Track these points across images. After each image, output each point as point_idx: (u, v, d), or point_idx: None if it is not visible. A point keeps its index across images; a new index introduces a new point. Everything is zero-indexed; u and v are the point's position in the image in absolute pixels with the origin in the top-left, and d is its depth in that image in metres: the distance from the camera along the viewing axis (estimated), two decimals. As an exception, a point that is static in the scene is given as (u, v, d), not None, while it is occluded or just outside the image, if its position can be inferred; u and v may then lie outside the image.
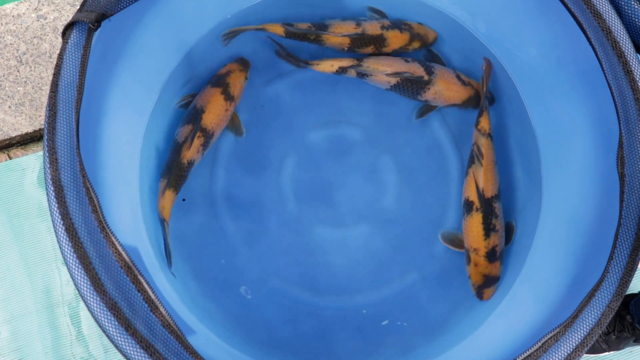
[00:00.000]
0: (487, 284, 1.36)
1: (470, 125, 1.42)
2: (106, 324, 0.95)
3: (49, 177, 1.01)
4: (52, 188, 1.01)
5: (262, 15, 1.43)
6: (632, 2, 1.11)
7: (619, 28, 1.10)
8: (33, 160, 1.66)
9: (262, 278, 1.43)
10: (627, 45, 1.09)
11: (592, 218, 1.13)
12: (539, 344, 1.00)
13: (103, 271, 0.98)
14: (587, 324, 1.00)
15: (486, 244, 1.34)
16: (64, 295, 1.57)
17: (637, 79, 1.08)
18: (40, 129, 1.67)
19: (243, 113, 1.51)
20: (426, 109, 1.49)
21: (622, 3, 1.12)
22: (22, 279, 1.58)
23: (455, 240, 1.43)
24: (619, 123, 1.08)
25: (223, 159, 1.50)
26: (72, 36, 1.10)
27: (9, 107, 1.66)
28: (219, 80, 1.44)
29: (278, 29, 1.41)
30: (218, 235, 1.46)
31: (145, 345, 0.94)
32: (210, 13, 1.37)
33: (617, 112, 1.09)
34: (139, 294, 0.97)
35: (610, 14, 1.10)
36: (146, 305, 0.97)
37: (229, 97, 1.42)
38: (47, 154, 1.03)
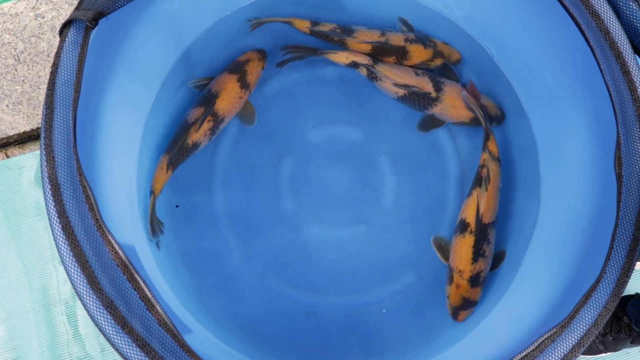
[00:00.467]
0: (464, 307, 1.35)
1: (471, 128, 1.43)
2: (102, 322, 0.95)
3: (46, 175, 1.01)
4: (48, 186, 1.01)
5: (262, 13, 1.43)
6: (631, 3, 1.11)
7: (617, 29, 1.10)
8: (30, 159, 1.66)
9: (259, 277, 1.43)
10: (625, 46, 1.09)
11: (590, 219, 1.13)
12: (536, 344, 1.00)
13: (99, 269, 0.98)
14: (584, 324, 1.00)
15: (472, 268, 1.34)
16: (61, 295, 1.57)
17: (635, 79, 1.08)
18: (37, 128, 1.67)
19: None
20: (433, 123, 1.48)
21: (621, 4, 1.12)
22: (19, 278, 1.57)
23: (444, 249, 1.42)
24: (617, 124, 1.08)
25: (221, 157, 1.49)
26: (69, 34, 1.10)
27: (7, 105, 1.66)
28: (236, 67, 1.44)
29: (304, 26, 1.42)
30: (214, 233, 1.46)
31: (142, 344, 0.94)
32: (208, 11, 1.37)
33: (615, 113, 1.09)
34: (136, 293, 0.97)
35: (608, 15, 1.10)
36: (142, 304, 0.97)
37: (244, 85, 1.42)
38: (44, 152, 1.03)
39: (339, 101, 1.52)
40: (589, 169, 1.16)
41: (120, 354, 0.95)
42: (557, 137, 1.27)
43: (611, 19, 1.09)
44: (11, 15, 1.68)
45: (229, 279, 1.43)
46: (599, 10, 1.10)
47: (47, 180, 1.01)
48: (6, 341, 1.54)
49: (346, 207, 1.48)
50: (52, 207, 1.00)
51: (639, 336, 1.48)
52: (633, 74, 1.08)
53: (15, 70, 1.67)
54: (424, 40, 1.45)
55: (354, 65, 1.43)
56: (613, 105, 1.09)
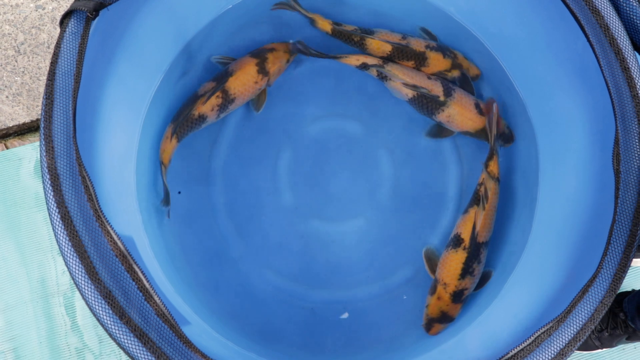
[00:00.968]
0: (440, 320, 1.34)
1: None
2: (100, 312, 0.95)
3: (45, 165, 1.01)
4: (48, 176, 1.01)
5: (264, 8, 1.43)
6: (631, 0, 1.11)
7: (617, 25, 1.10)
8: (30, 151, 1.66)
9: (257, 270, 1.44)
10: (624, 42, 1.09)
11: (588, 215, 1.14)
12: (532, 338, 1.00)
13: (98, 260, 0.98)
14: (580, 319, 1.00)
15: (458, 284, 1.33)
16: (59, 286, 1.57)
17: (634, 76, 1.08)
18: (37, 119, 1.67)
19: (240, 107, 1.50)
20: (440, 132, 1.48)
21: (621, 0, 1.12)
22: (18, 269, 1.58)
23: (432, 262, 1.41)
24: (615, 120, 1.09)
25: (221, 150, 1.50)
26: (70, 25, 1.10)
27: (7, 97, 1.66)
28: (259, 53, 1.44)
29: (326, 25, 1.42)
30: (213, 226, 1.46)
31: (139, 334, 0.95)
32: (210, 4, 1.37)
33: (614, 109, 1.09)
34: (134, 283, 0.97)
35: (608, 11, 1.10)
36: (140, 294, 0.97)
37: (262, 71, 1.42)
38: (43, 142, 1.03)
39: (339, 95, 1.52)
40: (587, 165, 1.16)
41: (118, 344, 0.95)
42: (556, 133, 1.27)
43: (611, 16, 1.09)
44: (12, 6, 1.68)
45: (227, 272, 1.43)
46: (599, 6, 1.10)
47: (47, 170, 1.01)
48: (4, 331, 1.54)
49: (345, 202, 1.48)
50: (51, 197, 1.00)
51: (634, 332, 1.49)
52: (632, 71, 1.09)
53: (16, 61, 1.67)
54: (444, 50, 1.45)
55: (364, 66, 1.43)
56: (612, 102, 1.09)
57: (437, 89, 1.41)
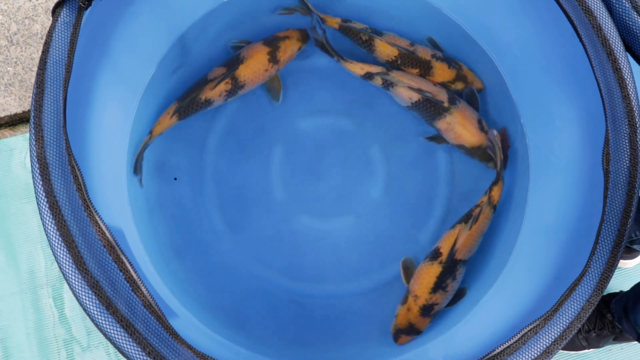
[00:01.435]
0: (407, 332, 1.33)
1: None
2: (87, 302, 0.95)
3: (35, 154, 1.01)
4: (37, 165, 1.00)
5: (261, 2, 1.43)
6: (623, 1, 1.12)
7: (609, 26, 1.10)
8: (21, 142, 1.65)
9: (246, 264, 1.44)
10: (616, 43, 1.10)
11: (577, 214, 1.14)
12: (519, 335, 1.00)
13: (86, 249, 0.97)
14: (567, 317, 1.00)
15: (429, 297, 1.32)
16: (48, 277, 1.57)
17: (626, 76, 1.08)
18: (29, 110, 1.66)
19: (234, 100, 1.50)
20: (434, 137, 1.48)
21: (614, 1, 1.13)
22: (7, 260, 1.57)
23: (409, 273, 1.40)
24: (606, 120, 1.09)
25: (213, 144, 1.49)
26: (62, 14, 1.09)
27: (-1, 87, 1.65)
28: (271, 41, 1.44)
29: (334, 24, 1.42)
30: (204, 219, 1.46)
31: (126, 325, 0.94)
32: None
33: (605, 109, 1.09)
34: (121, 274, 0.97)
35: (601, 12, 1.10)
36: (128, 285, 0.97)
37: (273, 59, 1.42)
38: (33, 131, 1.02)
39: (333, 91, 1.52)
40: (577, 165, 1.17)
41: (104, 334, 0.95)
42: (547, 131, 1.27)
43: (604, 16, 1.10)
44: (5, -5, 1.67)
45: (216, 265, 1.43)
46: (592, 6, 1.11)
47: (36, 159, 1.01)
48: (-8, 322, 1.54)
49: (336, 198, 1.48)
50: (39, 186, 0.99)
51: (621, 333, 1.49)
52: (624, 71, 1.09)
53: (8, 51, 1.66)
54: (450, 60, 1.45)
55: (369, 76, 1.42)
56: (603, 102, 1.10)
57: (442, 95, 1.41)
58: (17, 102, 1.65)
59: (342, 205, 1.48)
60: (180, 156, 1.48)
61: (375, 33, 1.42)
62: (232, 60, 1.42)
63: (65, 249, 0.97)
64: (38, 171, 1.00)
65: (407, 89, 1.40)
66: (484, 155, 1.42)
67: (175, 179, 1.46)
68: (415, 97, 1.40)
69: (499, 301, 1.20)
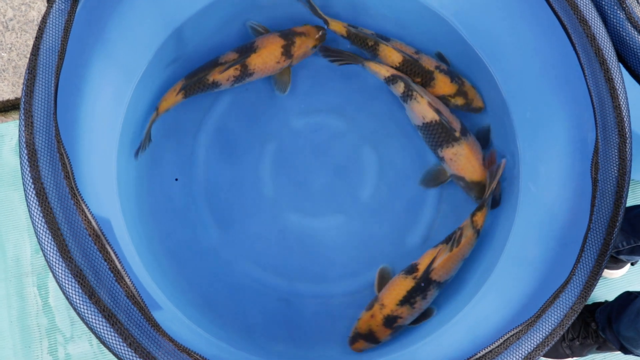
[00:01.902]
0: (365, 338, 1.32)
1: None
2: (70, 290, 0.94)
3: (23, 140, 1.00)
4: (25, 151, 1.00)
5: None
6: (618, 12, 1.12)
7: (603, 36, 1.10)
8: (12, 128, 1.64)
9: (234, 260, 1.43)
10: (609, 53, 1.10)
11: (564, 222, 1.14)
12: (501, 340, 1.00)
13: (71, 238, 0.97)
14: (550, 324, 1.01)
15: (394, 309, 1.31)
16: (34, 265, 1.56)
17: (617, 87, 1.09)
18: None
19: (227, 94, 1.50)
20: (434, 178, 1.46)
21: (608, 12, 1.13)
22: (-8, 247, 1.56)
23: (384, 281, 1.38)
24: (596, 129, 1.09)
25: (205, 139, 1.49)
26: (57, 1, 1.09)
27: (-8, 72, 1.64)
28: (288, 34, 1.43)
29: (341, 27, 1.42)
30: (193, 214, 1.46)
31: (108, 315, 0.94)
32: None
33: (595, 119, 1.10)
34: (105, 264, 0.96)
35: (595, 21, 1.11)
36: (111, 275, 0.96)
37: (286, 53, 1.42)
38: (22, 117, 1.02)
39: (328, 90, 1.52)
40: (566, 173, 1.17)
41: (86, 323, 0.94)
42: (537, 138, 1.28)
43: (598, 26, 1.10)
44: (2, -19, 1.66)
45: (203, 261, 1.43)
46: (587, 16, 1.11)
47: (24, 145, 1.00)
48: (-25, 309, 1.53)
49: (325, 197, 1.48)
50: (27, 172, 0.99)
51: (604, 343, 1.50)
52: (615, 82, 1.09)
53: (3, 37, 1.65)
54: (453, 75, 1.44)
55: (393, 79, 1.41)
56: (594, 111, 1.10)
57: (455, 124, 1.39)
58: (10, 88, 1.65)
59: (331, 205, 1.48)
60: (171, 151, 1.48)
61: (381, 38, 1.42)
62: (246, 47, 1.41)
63: (50, 236, 0.96)
64: (26, 157, 0.99)
65: (426, 104, 1.38)
66: (481, 192, 1.40)
67: (176, 179, 1.46)
68: (430, 117, 1.38)
69: (484, 306, 1.20)
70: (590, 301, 1.54)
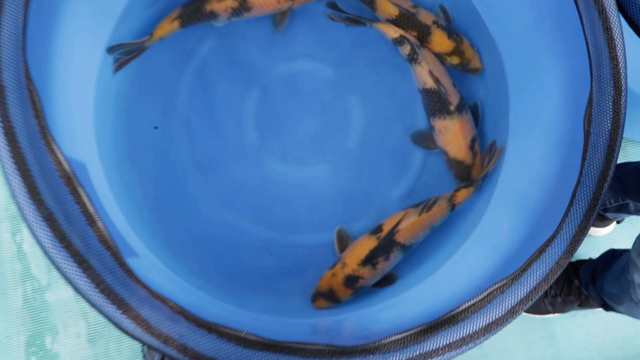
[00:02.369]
0: (326, 297, 1.29)
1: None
2: (40, 234, 0.90)
3: (-10, 75, 0.95)
4: (-8, 88, 0.95)
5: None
6: (620, -43, 1.07)
7: (603, -18, 1.06)
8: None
9: (215, 209, 1.40)
10: (609, 1, 1.05)
11: (554, 175, 1.11)
12: (485, 293, 0.99)
13: (41, 179, 0.93)
14: (535, 278, 0.99)
15: (356, 269, 1.27)
16: (8, 211, 1.51)
17: (615, 37, 1.05)
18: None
19: (210, 38, 1.44)
20: (424, 141, 1.41)
21: (610, -43, 1.08)
22: (-34, 191, 1.52)
23: (343, 242, 1.35)
24: (591, 81, 1.06)
25: (186, 83, 1.43)
26: None
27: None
28: None
29: None
30: (173, 159, 1.41)
31: (79, 260, 0.90)
32: None
33: (591, 70, 1.06)
34: (77, 206, 0.93)
35: (596, -33, 1.06)
36: (84, 218, 0.93)
37: None
38: (-11, 51, 0.96)
39: (316, 37, 1.46)
40: (558, 125, 1.13)
41: (57, 268, 0.91)
42: (531, 89, 1.24)
43: (599, -28, 1.05)
44: None
45: (183, 208, 1.39)
46: (587, -39, 1.06)
47: (-9, 82, 0.95)
48: (-52, 254, 1.49)
49: (310, 146, 1.44)
50: (-6, 109, 0.94)
51: (587, 300, 1.50)
52: (614, 32, 1.05)
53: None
54: (451, 31, 1.37)
55: (400, 41, 1.35)
56: (590, 62, 1.06)
57: (453, 98, 1.34)
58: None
59: (316, 154, 1.43)
60: (151, 95, 1.42)
61: None
62: None
63: (19, 178, 0.92)
64: (-7, 94, 0.94)
65: (427, 72, 1.33)
66: (460, 173, 1.36)
67: (155, 127, 1.41)
68: (429, 84, 1.33)
69: (467, 259, 1.18)
70: (574, 259, 1.54)
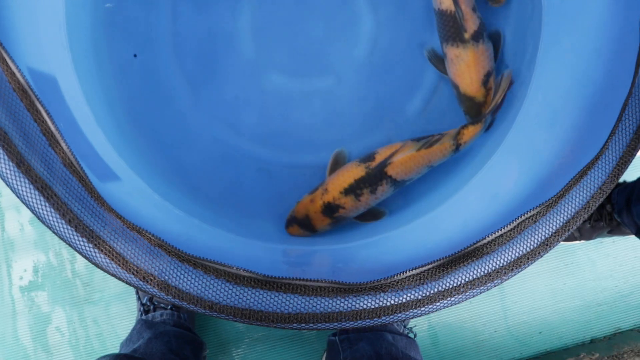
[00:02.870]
0: (300, 224, 1.16)
1: None
2: (-7, 156, 0.77)
3: None
4: None
5: None
6: None
7: None
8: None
9: (207, 125, 1.24)
10: None
11: (599, 83, 0.94)
12: (515, 223, 0.85)
13: (-9, 93, 0.78)
14: (574, 205, 0.85)
15: (337, 197, 1.13)
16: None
17: None
18: None
19: None
20: (438, 61, 1.23)
21: None
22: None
23: (339, 164, 1.21)
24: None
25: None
26: None
27: None
28: None
29: None
30: (160, 71, 1.25)
31: (41, 186, 0.77)
32: None
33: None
34: (36, 125, 0.79)
35: None
36: (44, 139, 0.79)
37: None
38: None
39: None
40: (606, 25, 0.96)
41: (18, 196, 0.78)
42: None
43: None
44: None
45: (173, 126, 1.24)
46: None
47: None
48: None
49: (313, 56, 1.27)
50: None
51: (617, 226, 1.37)
52: None
53: None
54: None
55: None
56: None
57: (471, 24, 1.15)
58: None
59: (320, 65, 1.26)
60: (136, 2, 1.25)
61: None
62: None
63: (-35, 90, 0.77)
64: None
65: None
66: (470, 110, 1.19)
67: (135, 55, 1.24)
68: (445, 5, 1.15)
69: (494, 183, 1.04)
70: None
